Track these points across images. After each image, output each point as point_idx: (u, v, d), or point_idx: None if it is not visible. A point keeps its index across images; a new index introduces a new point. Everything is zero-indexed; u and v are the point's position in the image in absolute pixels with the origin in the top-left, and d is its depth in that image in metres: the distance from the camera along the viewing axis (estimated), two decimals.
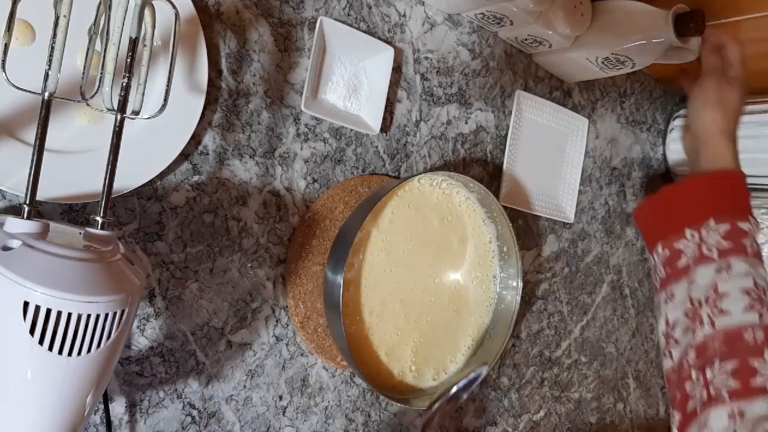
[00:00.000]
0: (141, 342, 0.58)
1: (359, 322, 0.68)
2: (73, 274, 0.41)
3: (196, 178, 0.60)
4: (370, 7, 0.70)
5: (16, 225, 0.43)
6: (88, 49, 0.47)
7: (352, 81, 0.70)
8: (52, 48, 0.43)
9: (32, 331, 0.40)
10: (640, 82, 1.03)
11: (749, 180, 0.98)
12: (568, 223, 0.93)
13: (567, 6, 0.75)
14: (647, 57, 0.77)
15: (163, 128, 0.56)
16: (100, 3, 0.46)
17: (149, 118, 0.49)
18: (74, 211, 0.54)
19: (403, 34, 0.73)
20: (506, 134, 0.84)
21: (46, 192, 0.50)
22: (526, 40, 0.80)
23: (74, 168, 0.53)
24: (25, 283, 0.40)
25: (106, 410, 0.55)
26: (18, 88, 0.43)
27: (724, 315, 0.64)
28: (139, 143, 0.55)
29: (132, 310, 0.45)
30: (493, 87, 0.83)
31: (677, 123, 1.05)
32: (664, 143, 1.08)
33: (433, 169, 0.77)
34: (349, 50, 0.69)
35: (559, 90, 0.90)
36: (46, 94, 0.44)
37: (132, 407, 0.58)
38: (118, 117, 0.46)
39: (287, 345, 0.67)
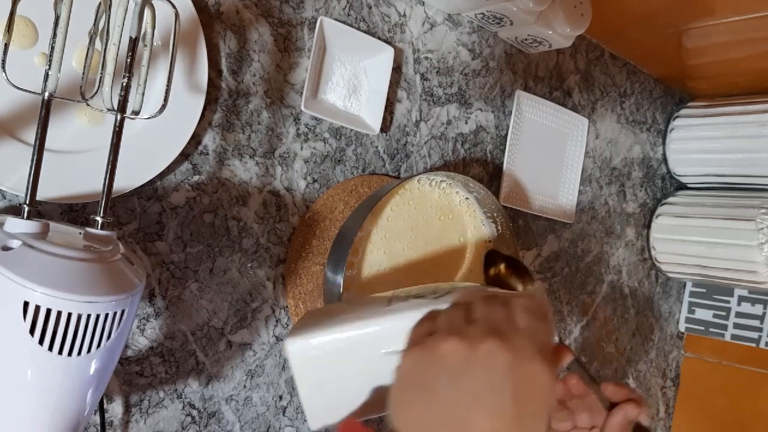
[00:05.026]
0: (141, 342, 0.58)
1: None
2: (73, 274, 0.41)
3: (196, 178, 0.60)
4: (370, 7, 0.70)
5: (16, 225, 0.43)
6: (88, 49, 0.47)
7: (352, 81, 0.70)
8: (52, 48, 0.43)
9: (32, 331, 0.40)
10: (640, 82, 1.03)
11: (749, 180, 0.99)
12: (568, 223, 0.93)
13: (567, 6, 0.75)
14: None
15: (163, 128, 0.56)
16: (100, 3, 0.46)
17: (149, 118, 0.49)
18: (74, 211, 0.54)
19: (403, 34, 0.73)
20: (506, 134, 0.84)
21: (46, 192, 0.50)
22: (526, 40, 0.80)
23: (74, 168, 0.53)
24: (25, 283, 0.40)
25: (101, 413, 0.55)
26: (18, 88, 0.43)
27: None
28: (139, 143, 0.55)
29: (132, 310, 0.45)
30: (493, 87, 0.83)
31: (677, 123, 1.05)
32: (664, 143, 1.08)
33: (433, 169, 0.77)
34: (349, 50, 0.69)
35: (559, 90, 0.90)
36: (46, 94, 0.44)
37: (132, 407, 0.58)
38: (118, 117, 0.46)
39: None
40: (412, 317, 0.46)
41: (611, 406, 0.50)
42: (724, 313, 1.09)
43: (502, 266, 0.63)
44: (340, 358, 0.49)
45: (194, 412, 0.62)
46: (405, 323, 0.46)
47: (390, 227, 0.70)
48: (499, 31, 0.80)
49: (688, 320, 1.13)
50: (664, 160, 1.09)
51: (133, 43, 0.45)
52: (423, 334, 0.41)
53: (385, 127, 0.73)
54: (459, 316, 0.41)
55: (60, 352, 0.41)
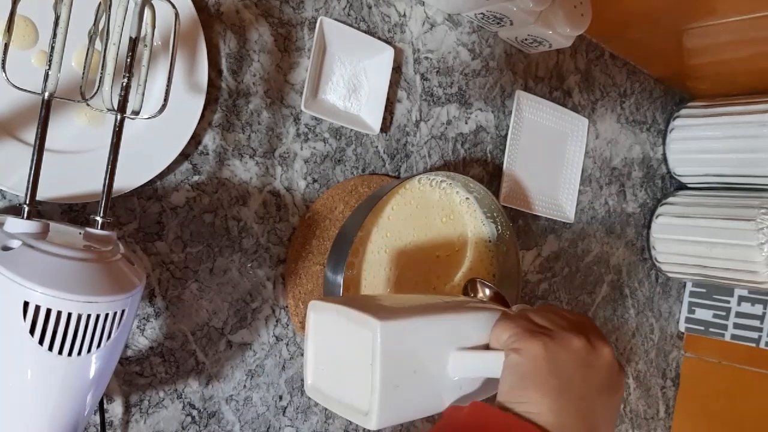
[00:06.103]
0: (141, 342, 0.58)
1: None
2: (73, 274, 0.41)
3: (196, 178, 0.60)
4: (370, 7, 0.70)
5: (16, 225, 0.43)
6: (88, 49, 0.47)
7: (352, 81, 0.70)
8: (52, 48, 0.43)
9: (32, 331, 0.40)
10: (640, 82, 1.03)
11: (749, 180, 0.99)
12: (568, 223, 0.93)
13: (567, 6, 0.75)
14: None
15: (163, 128, 0.56)
16: (100, 3, 0.46)
17: (149, 118, 0.49)
18: (74, 211, 0.54)
19: (403, 34, 0.73)
20: (506, 134, 0.84)
21: (46, 192, 0.50)
22: (526, 40, 0.80)
23: (74, 168, 0.53)
24: (25, 283, 0.40)
25: (101, 413, 0.55)
26: (18, 88, 0.43)
27: None
28: (139, 143, 0.55)
29: (132, 310, 0.45)
30: (493, 87, 0.83)
31: (677, 123, 1.06)
32: (664, 143, 1.08)
33: (433, 169, 0.77)
34: (349, 50, 0.69)
35: (559, 90, 0.90)
36: (46, 94, 0.44)
37: (132, 407, 0.58)
38: (118, 117, 0.46)
39: (287, 345, 0.67)
40: (488, 317, 0.46)
41: None
42: (724, 313, 1.09)
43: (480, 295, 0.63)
44: (420, 348, 0.45)
45: (194, 412, 0.62)
46: (481, 321, 0.46)
47: (391, 226, 0.70)
48: (499, 31, 0.80)
49: (688, 320, 1.13)
50: (664, 160, 1.09)
51: (133, 43, 0.45)
52: (529, 330, 0.44)
53: (385, 127, 0.73)
54: (558, 319, 0.45)
55: (60, 352, 0.41)
